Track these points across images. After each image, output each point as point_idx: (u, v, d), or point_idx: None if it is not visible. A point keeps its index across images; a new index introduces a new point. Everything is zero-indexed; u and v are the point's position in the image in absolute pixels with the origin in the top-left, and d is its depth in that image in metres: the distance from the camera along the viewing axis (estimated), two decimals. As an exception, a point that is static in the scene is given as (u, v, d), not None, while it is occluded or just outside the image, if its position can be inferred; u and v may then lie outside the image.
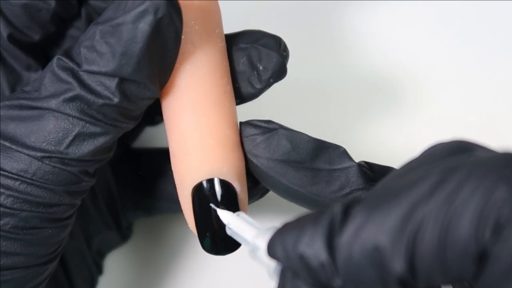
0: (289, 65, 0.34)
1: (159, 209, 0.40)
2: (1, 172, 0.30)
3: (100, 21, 0.30)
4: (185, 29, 0.31)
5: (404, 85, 0.45)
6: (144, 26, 0.29)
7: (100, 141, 0.31)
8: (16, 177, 0.30)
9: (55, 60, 0.30)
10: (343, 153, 0.32)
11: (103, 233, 0.40)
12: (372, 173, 0.32)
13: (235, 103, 0.33)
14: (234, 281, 0.44)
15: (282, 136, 0.32)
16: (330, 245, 0.24)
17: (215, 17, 0.33)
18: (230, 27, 0.35)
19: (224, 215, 0.31)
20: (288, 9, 0.46)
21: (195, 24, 0.32)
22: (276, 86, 0.35)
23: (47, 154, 0.30)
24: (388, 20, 0.46)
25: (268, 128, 0.32)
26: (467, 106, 0.45)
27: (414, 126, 0.44)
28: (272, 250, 0.26)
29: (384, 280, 0.24)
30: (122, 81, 0.30)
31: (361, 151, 0.37)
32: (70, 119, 0.30)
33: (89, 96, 0.30)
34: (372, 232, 0.24)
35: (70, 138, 0.30)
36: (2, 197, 0.30)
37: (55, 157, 0.30)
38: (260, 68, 0.33)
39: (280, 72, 0.34)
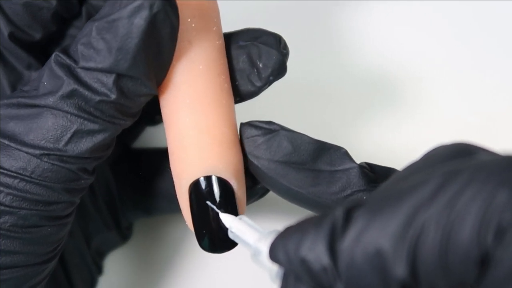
0: (289, 65, 0.34)
1: (158, 209, 0.40)
2: (0, 170, 0.30)
3: (96, 18, 0.30)
4: (182, 26, 0.31)
5: (404, 85, 0.45)
6: (140, 21, 0.29)
7: (98, 138, 0.31)
8: (15, 175, 0.30)
9: (52, 57, 0.31)
10: (344, 154, 0.32)
11: (103, 233, 0.40)
12: (373, 174, 0.32)
13: (233, 101, 0.33)
14: (234, 281, 0.44)
15: (283, 137, 0.32)
16: (332, 249, 0.24)
17: (212, 15, 0.33)
18: (229, 27, 0.35)
19: (226, 218, 0.31)
20: (287, 9, 0.46)
21: (192, 22, 0.32)
22: (275, 87, 0.35)
23: (45, 152, 0.30)
24: (388, 20, 0.46)
25: (269, 129, 0.32)
26: (467, 106, 0.45)
27: (413, 126, 0.44)
28: (274, 254, 0.26)
29: (386, 284, 0.24)
30: (119, 77, 0.30)
31: (360, 151, 0.37)
32: (68, 116, 0.30)
33: (86, 93, 0.30)
34: (374, 236, 0.24)
35: (68, 135, 0.30)
36: (1, 195, 0.30)
37: (53, 154, 0.30)
38: (260, 65, 0.33)
39: (280, 70, 0.34)
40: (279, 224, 0.35)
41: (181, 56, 0.32)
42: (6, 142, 0.30)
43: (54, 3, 0.33)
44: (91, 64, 0.30)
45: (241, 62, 0.34)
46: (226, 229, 0.31)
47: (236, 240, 0.31)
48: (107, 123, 0.31)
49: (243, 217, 0.31)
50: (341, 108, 0.45)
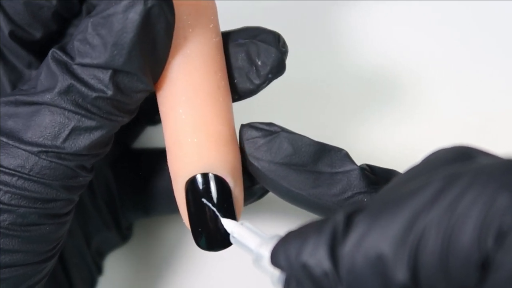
0: (288, 65, 0.34)
1: (158, 209, 0.40)
2: (-1, 168, 0.30)
3: (92, 15, 0.30)
4: (178, 23, 0.31)
5: (403, 85, 0.45)
6: (134, 15, 0.29)
7: (96, 135, 0.31)
8: (14, 172, 0.30)
9: (50, 53, 0.31)
10: (345, 156, 0.32)
11: (102, 232, 0.40)
12: (374, 176, 0.32)
13: (231, 99, 0.33)
14: (234, 281, 0.44)
15: (284, 139, 0.32)
16: (333, 254, 0.25)
17: (209, 12, 0.33)
18: (228, 26, 0.35)
19: (227, 224, 0.31)
20: (286, 9, 0.46)
21: (188, 19, 0.32)
22: (275, 86, 0.35)
23: (43, 149, 0.30)
24: (387, 20, 0.46)
25: (269, 131, 0.32)
26: (466, 106, 0.45)
27: (412, 126, 0.44)
28: (275, 259, 0.26)
29: None
30: (115, 73, 0.30)
31: (360, 150, 0.37)
32: (66, 113, 0.30)
33: (83, 89, 0.30)
34: (375, 241, 0.24)
35: (66, 132, 0.30)
36: (0, 193, 0.30)
37: (51, 151, 0.30)
38: (259, 63, 0.33)
39: (279, 68, 0.33)
40: (279, 226, 0.35)
41: (177, 53, 0.32)
42: (5, 140, 0.30)
43: (54, 2, 0.33)
44: (87, 60, 0.30)
45: (239, 60, 0.34)
46: (223, 228, 0.32)
47: (238, 246, 0.31)
48: (104, 120, 0.31)
49: (244, 222, 0.31)
50: (340, 108, 0.45)
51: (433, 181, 0.24)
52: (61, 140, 0.30)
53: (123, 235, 0.42)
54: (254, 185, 0.35)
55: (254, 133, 0.32)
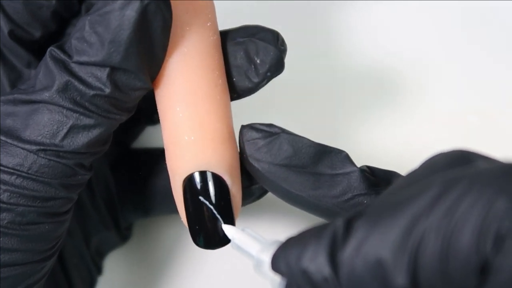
0: (287, 65, 0.34)
1: (158, 209, 0.40)
2: (-2, 167, 0.30)
3: (90, 13, 0.30)
4: (175, 21, 0.31)
5: (403, 86, 0.45)
6: (131, 12, 0.29)
7: (94, 133, 0.31)
8: (12, 171, 0.30)
9: (48, 52, 0.31)
10: (345, 158, 0.32)
11: (102, 232, 0.40)
12: (374, 177, 0.32)
13: (229, 97, 0.33)
14: (234, 281, 0.44)
15: (284, 140, 0.32)
16: (333, 259, 0.25)
17: (206, 10, 0.33)
18: (227, 26, 0.35)
19: (228, 230, 0.32)
20: (286, 9, 0.46)
21: (185, 17, 0.32)
22: (274, 86, 0.35)
23: (42, 147, 0.30)
24: (387, 20, 0.46)
25: (269, 132, 0.32)
26: (466, 105, 0.45)
27: (412, 126, 0.44)
28: (276, 265, 0.27)
29: None
30: (112, 71, 0.30)
31: (360, 151, 0.37)
32: (64, 111, 0.30)
33: (80, 87, 0.30)
34: (374, 246, 0.24)
35: (64, 130, 0.30)
36: None
37: (50, 150, 0.30)
38: (258, 61, 0.33)
39: (277, 66, 0.33)
40: (279, 227, 0.35)
41: (174, 51, 0.32)
42: (3, 138, 0.30)
43: (54, 1, 0.33)
44: (85, 58, 0.30)
45: (238, 58, 0.34)
46: (221, 226, 0.32)
47: (239, 251, 0.31)
48: (102, 118, 0.31)
49: (245, 228, 0.31)
50: (340, 108, 0.45)
51: (432, 186, 0.24)
52: (59, 138, 0.30)
53: (123, 235, 0.42)
54: (253, 185, 0.35)
55: (254, 134, 0.32)
